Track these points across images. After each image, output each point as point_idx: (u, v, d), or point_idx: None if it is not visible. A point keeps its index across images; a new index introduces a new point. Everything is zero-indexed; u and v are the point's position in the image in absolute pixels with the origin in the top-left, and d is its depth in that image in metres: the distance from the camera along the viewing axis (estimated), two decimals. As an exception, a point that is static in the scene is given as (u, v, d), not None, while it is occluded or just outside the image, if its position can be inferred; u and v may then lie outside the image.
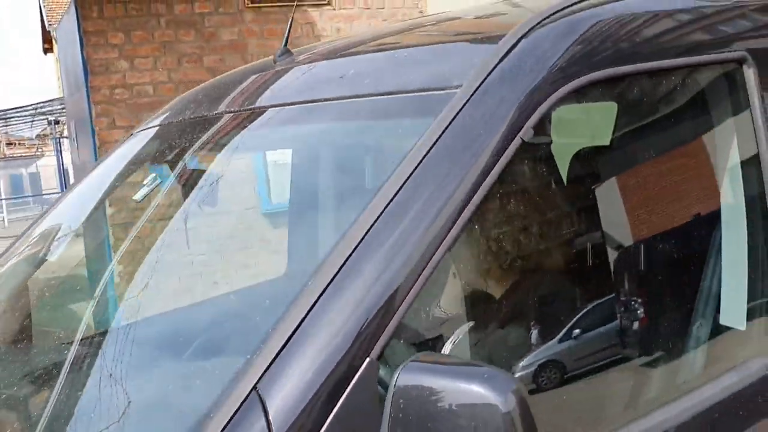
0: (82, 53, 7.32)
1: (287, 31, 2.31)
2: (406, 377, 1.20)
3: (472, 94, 1.56)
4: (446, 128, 1.51)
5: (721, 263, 1.97)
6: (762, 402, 1.80)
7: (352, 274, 1.37)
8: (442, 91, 1.62)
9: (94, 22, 7.34)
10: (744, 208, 1.94)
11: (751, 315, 1.95)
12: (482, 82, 1.58)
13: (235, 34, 7.69)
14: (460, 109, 1.54)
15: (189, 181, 2.71)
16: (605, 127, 1.72)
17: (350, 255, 1.39)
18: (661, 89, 1.83)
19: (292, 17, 2.18)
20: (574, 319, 1.81)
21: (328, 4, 7.76)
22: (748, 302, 1.95)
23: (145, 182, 2.27)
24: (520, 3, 2.23)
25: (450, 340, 1.62)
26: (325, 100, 1.83)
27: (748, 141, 1.89)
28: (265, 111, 1.99)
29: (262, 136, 2.06)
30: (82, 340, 1.92)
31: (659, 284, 1.92)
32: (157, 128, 2.42)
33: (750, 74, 1.89)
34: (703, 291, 1.97)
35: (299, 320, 1.34)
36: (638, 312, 1.85)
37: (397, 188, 1.45)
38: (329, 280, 1.36)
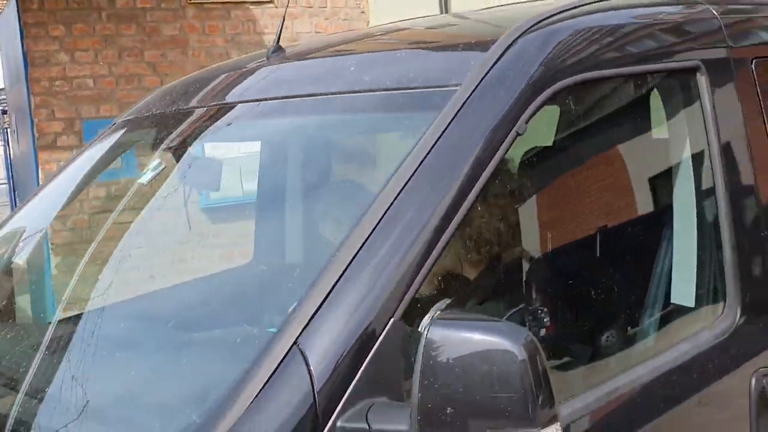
0: (22, 45, 7.31)
1: (279, 29, 2.46)
2: (436, 330, 1.40)
3: (472, 92, 1.77)
4: (452, 120, 1.72)
5: (673, 250, 2.23)
6: (711, 367, 2.05)
7: (375, 246, 1.56)
8: (442, 89, 1.83)
9: (34, 14, 7.33)
10: (694, 201, 2.20)
11: (698, 294, 2.21)
12: (480, 81, 1.79)
13: (177, 30, 7.77)
14: (463, 104, 1.75)
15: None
16: (582, 125, 1.96)
17: (374, 229, 1.58)
18: (628, 94, 2.07)
19: (285, 14, 2.35)
20: (551, 294, 2.04)
21: (270, 2, 7.90)
22: (696, 283, 2.21)
23: (149, 167, 2.42)
24: (470, 16, 2.46)
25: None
26: (330, 94, 2.02)
27: (701, 141, 2.15)
28: (265, 103, 2.16)
29: (263, 128, 2.23)
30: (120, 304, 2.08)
31: (625, 267, 2.16)
32: (152, 117, 2.55)
33: (702, 81, 2.15)
34: (656, 274, 2.23)
35: (332, 284, 1.53)
36: (607, 291, 2.09)
37: (413, 170, 1.64)
38: (357, 250, 1.56)
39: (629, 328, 2.13)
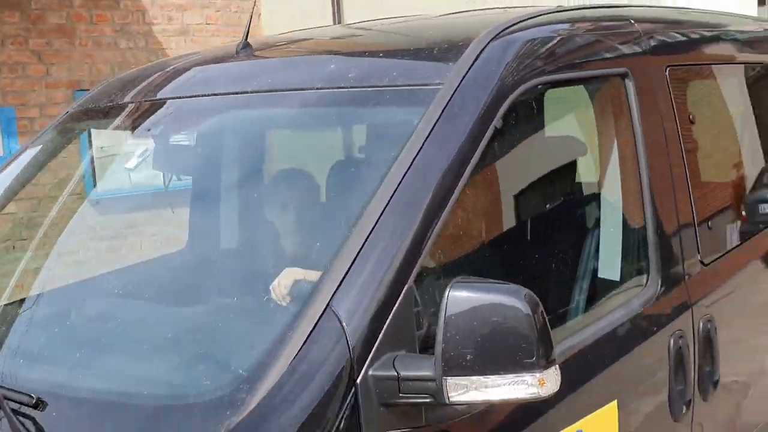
0: None
1: (248, 25, 2.62)
2: (455, 293, 1.67)
3: (454, 90, 2.04)
4: (441, 113, 1.98)
5: (601, 233, 2.59)
6: (640, 329, 2.41)
7: (388, 222, 1.82)
8: (426, 86, 2.09)
9: None
10: (620, 192, 2.55)
11: (624, 269, 2.57)
12: (461, 81, 2.06)
13: (63, 18, 7.68)
14: (448, 101, 2.01)
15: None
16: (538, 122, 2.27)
17: (385, 207, 1.83)
18: (575, 94, 2.40)
19: (254, 7, 2.53)
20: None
21: (160, -8, 7.93)
22: (622, 260, 2.57)
23: (136, 153, 2.56)
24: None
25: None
26: (316, 88, 2.24)
27: (629, 137, 2.50)
28: (242, 96, 2.35)
29: (239, 120, 2.42)
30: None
31: (565, 246, 2.50)
32: (118, 107, 2.69)
33: (630, 85, 2.51)
34: (587, 252, 2.57)
35: (353, 257, 1.77)
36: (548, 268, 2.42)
37: (414, 156, 1.90)
38: (372, 225, 1.80)
39: (572, 296, 2.46)
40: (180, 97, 2.53)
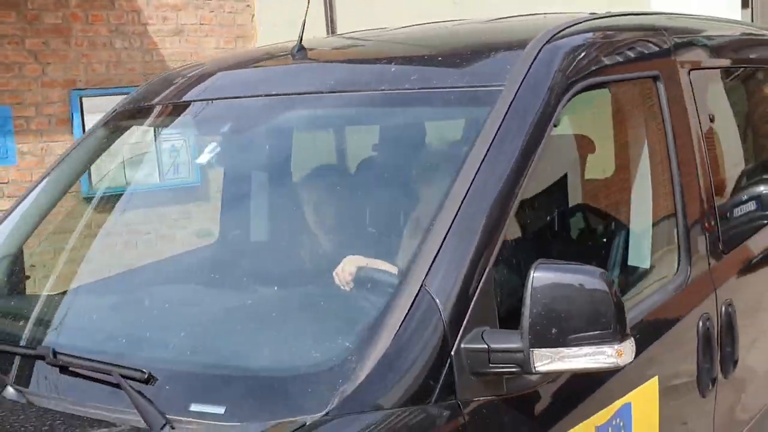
0: None
1: (302, 29, 2.76)
2: (539, 273, 1.86)
3: (517, 91, 2.23)
4: (506, 112, 2.17)
5: (633, 224, 2.80)
6: (672, 313, 2.62)
7: (469, 209, 2.00)
8: (487, 88, 2.28)
9: None
10: (652, 187, 2.75)
11: (656, 258, 2.78)
12: (521, 83, 2.25)
13: (60, 18, 7.75)
14: (512, 101, 2.20)
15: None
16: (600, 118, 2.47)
17: (465, 196, 2.01)
18: (621, 94, 2.61)
19: (307, 9, 2.69)
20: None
21: (155, -8, 8.02)
22: (652, 249, 2.78)
23: (207, 149, 2.72)
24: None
25: None
26: (381, 90, 2.42)
27: (660, 136, 2.71)
28: (310, 96, 2.52)
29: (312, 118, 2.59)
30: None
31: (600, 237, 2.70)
32: (180, 106, 2.84)
33: (660, 86, 2.72)
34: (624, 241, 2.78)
35: (441, 241, 1.95)
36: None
37: (486, 151, 2.09)
38: (455, 213, 1.99)
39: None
40: (245, 97, 2.68)
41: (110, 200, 3.85)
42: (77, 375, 2.09)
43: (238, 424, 1.76)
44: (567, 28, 2.49)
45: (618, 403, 2.30)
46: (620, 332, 1.85)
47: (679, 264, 2.73)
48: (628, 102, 2.71)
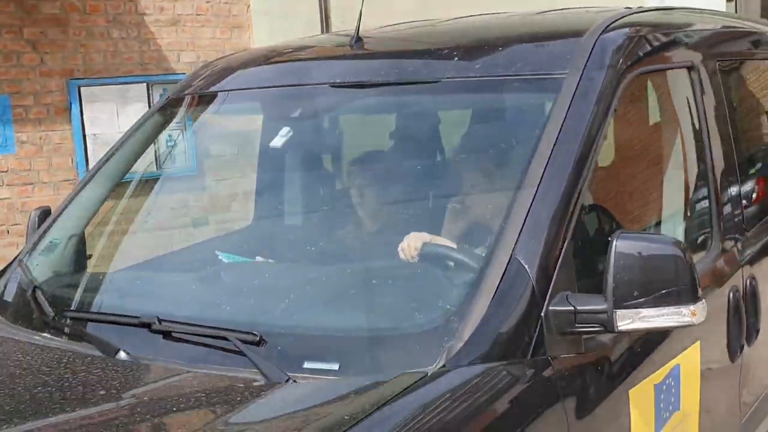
0: None
1: (359, 20, 2.93)
2: (620, 242, 2.07)
3: (579, 78, 2.44)
4: (572, 99, 2.38)
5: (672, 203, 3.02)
6: (708, 285, 2.83)
7: (546, 185, 2.20)
8: (551, 76, 2.49)
9: None
10: (685, 168, 2.98)
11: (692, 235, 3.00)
12: (582, 71, 2.46)
13: (57, 8, 7.81)
14: (576, 87, 2.41)
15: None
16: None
17: (543, 173, 2.22)
18: (671, 82, 2.83)
19: (362, 4, 2.86)
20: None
21: (153, -18, 8.11)
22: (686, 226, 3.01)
23: (281, 133, 2.89)
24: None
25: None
26: (448, 78, 2.61)
27: (697, 122, 2.94)
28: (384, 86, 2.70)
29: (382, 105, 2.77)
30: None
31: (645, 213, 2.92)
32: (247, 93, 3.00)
33: (695, 76, 2.95)
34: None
35: (525, 214, 2.15)
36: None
37: (556, 135, 2.29)
38: (535, 189, 2.19)
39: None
40: (309, 84, 2.86)
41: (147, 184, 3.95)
42: (181, 340, 2.26)
43: (364, 375, 1.94)
44: (616, 20, 2.70)
45: (670, 365, 2.52)
46: (694, 294, 2.07)
47: (711, 241, 2.96)
48: (668, 90, 2.93)
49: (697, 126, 2.95)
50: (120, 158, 3.28)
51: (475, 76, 2.59)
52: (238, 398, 1.94)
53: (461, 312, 2.04)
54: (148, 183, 3.69)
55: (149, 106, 8.16)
